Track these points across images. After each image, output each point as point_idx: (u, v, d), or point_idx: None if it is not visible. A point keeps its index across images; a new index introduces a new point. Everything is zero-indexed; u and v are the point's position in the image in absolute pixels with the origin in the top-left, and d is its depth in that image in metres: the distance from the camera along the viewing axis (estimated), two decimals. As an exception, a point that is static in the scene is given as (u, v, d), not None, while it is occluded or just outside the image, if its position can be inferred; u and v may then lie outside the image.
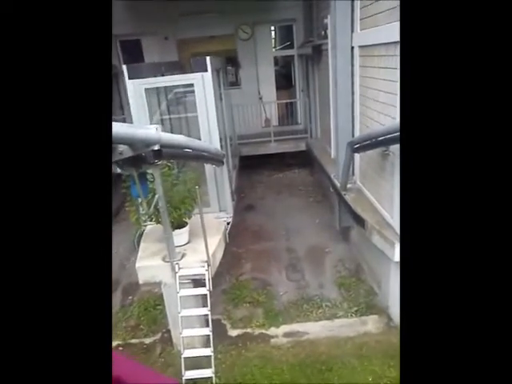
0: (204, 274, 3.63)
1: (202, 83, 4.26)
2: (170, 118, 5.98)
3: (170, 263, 3.65)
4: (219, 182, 4.63)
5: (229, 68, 8.99)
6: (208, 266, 3.64)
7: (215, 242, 4.07)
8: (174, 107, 6.40)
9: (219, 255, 4.09)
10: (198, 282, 3.75)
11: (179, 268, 3.66)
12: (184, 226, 3.93)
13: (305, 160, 8.83)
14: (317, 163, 7.36)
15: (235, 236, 5.72)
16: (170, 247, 3.62)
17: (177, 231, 3.86)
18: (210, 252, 3.76)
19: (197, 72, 4.27)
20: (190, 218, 3.87)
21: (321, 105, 7.51)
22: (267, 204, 7.65)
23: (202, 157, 3.46)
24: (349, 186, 5.06)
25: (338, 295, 4.76)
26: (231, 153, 6.82)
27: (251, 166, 8.98)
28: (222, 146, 4.95)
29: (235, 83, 9.22)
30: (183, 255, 3.79)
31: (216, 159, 3.94)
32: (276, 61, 9.89)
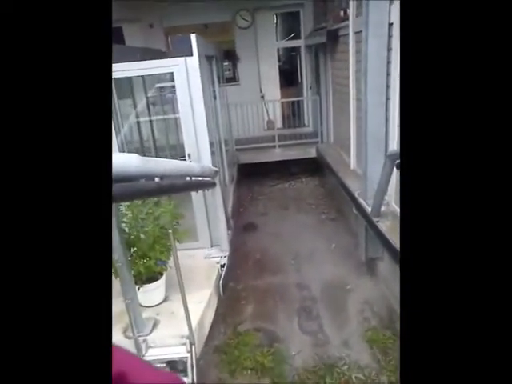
0: (186, 357, 2.40)
1: (186, 71, 3.03)
2: (150, 121, 4.76)
3: (134, 339, 2.42)
4: (210, 208, 3.40)
5: (225, 64, 7.77)
6: (191, 344, 2.40)
7: (204, 298, 2.85)
8: (158, 107, 5.20)
9: (209, 319, 2.87)
10: (176, 365, 2.53)
11: (147, 347, 2.44)
12: (157, 279, 2.70)
13: (313, 168, 7.63)
14: (330, 173, 6.16)
15: (232, 266, 4.52)
16: (133, 316, 2.39)
17: (147, 287, 2.65)
18: (196, 318, 2.54)
19: (178, 56, 3.04)
20: (164, 269, 2.63)
21: (335, 104, 6.29)
22: (271, 222, 6.41)
23: (176, 188, 2.21)
24: (381, 208, 3.84)
25: (371, 359, 3.54)
26: (228, 161, 5.60)
27: (251, 175, 7.76)
28: (214, 153, 3.74)
29: (233, 79, 7.98)
30: (155, 324, 2.57)
31: (203, 184, 2.71)
32: (278, 57, 8.67)
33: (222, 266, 3.29)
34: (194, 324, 2.49)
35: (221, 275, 3.23)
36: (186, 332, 2.44)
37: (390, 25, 3.43)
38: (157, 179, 1.77)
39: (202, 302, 2.78)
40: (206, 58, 4.16)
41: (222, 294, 3.22)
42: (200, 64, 3.18)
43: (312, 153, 7.13)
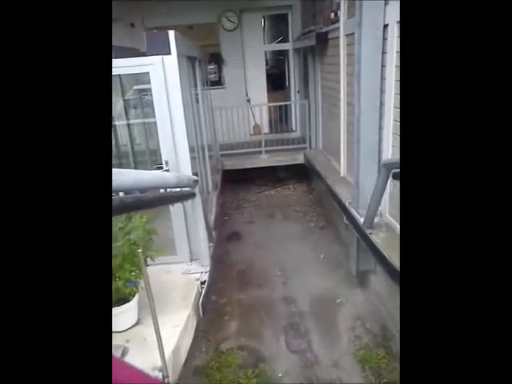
0: (157, 392, 2.10)
1: (163, 71, 2.76)
2: (128, 124, 4.47)
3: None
4: (190, 219, 3.13)
5: (211, 67, 7.53)
6: (164, 377, 2.12)
7: (181, 321, 2.57)
8: (139, 109, 4.91)
9: (186, 345, 2.59)
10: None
11: (115, 380, 2.12)
12: (128, 301, 2.41)
13: (301, 174, 7.43)
14: (319, 180, 5.95)
15: (215, 278, 4.24)
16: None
17: (115, 310, 2.35)
18: (171, 345, 2.26)
19: (154, 55, 2.78)
20: (135, 291, 2.35)
21: (324, 108, 6.10)
22: (257, 231, 6.16)
23: (145, 203, 1.90)
24: (374, 220, 3.62)
25: (364, 381, 3.29)
26: (211, 168, 5.33)
27: (237, 182, 7.52)
28: (195, 159, 3.48)
29: (218, 82, 7.73)
30: (124, 353, 2.28)
31: (180, 196, 2.44)
32: (265, 61, 8.45)
33: (203, 283, 3.01)
34: (169, 352, 2.21)
35: (201, 293, 2.94)
36: (158, 362, 2.16)
37: (385, 26, 3.23)
38: (121, 194, 1.50)
39: (178, 325, 2.50)
40: (188, 59, 3.91)
41: (201, 314, 2.94)
42: (179, 64, 2.92)
43: (300, 159, 6.92)
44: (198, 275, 3.07)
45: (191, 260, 3.21)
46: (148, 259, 2.28)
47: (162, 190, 2.18)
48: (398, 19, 3.02)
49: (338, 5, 4.50)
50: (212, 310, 4.23)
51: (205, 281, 3.03)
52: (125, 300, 2.40)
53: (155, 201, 2.02)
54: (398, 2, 3.05)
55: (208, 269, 3.13)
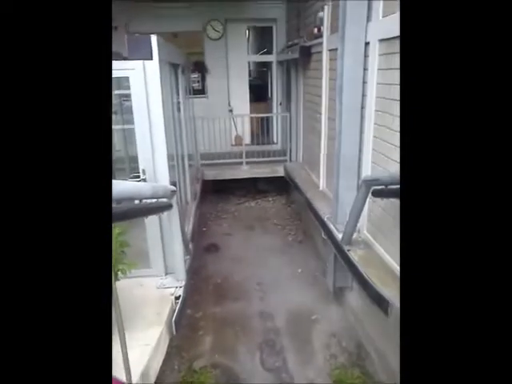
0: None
1: (143, 77, 2.67)
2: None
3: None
4: (166, 231, 3.02)
5: (194, 76, 7.47)
6: (130, 401, 1.99)
7: (152, 339, 2.44)
8: (119, 116, 4.78)
9: (156, 366, 2.46)
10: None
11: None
12: (96, 317, 2.26)
13: (281, 187, 7.41)
14: (298, 193, 5.92)
15: (191, 291, 4.12)
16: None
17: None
18: (140, 367, 2.13)
19: (135, 59, 2.69)
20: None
21: (305, 122, 6.10)
22: (235, 243, 6.06)
23: (115, 216, 1.81)
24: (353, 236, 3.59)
25: (339, 402, 3.22)
26: (191, 177, 5.23)
27: (217, 192, 7.45)
28: (174, 168, 3.38)
29: (201, 91, 7.67)
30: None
31: (155, 208, 2.33)
32: (248, 72, 8.45)
33: (177, 298, 2.88)
34: (138, 374, 2.08)
35: (174, 310, 2.81)
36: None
37: (367, 44, 3.25)
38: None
39: (149, 343, 2.36)
40: (171, 66, 3.83)
41: (174, 332, 2.81)
42: (161, 70, 2.84)
43: (280, 171, 6.89)
44: (173, 290, 2.94)
45: (166, 274, 3.08)
46: (119, 273, 2.16)
47: (137, 201, 2.09)
48: (379, 37, 3.04)
49: (322, 20, 4.53)
50: (186, 325, 4.09)
51: (180, 296, 2.90)
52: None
53: (130, 213, 1.91)
54: (379, 21, 3.08)
55: (183, 283, 3.01)
